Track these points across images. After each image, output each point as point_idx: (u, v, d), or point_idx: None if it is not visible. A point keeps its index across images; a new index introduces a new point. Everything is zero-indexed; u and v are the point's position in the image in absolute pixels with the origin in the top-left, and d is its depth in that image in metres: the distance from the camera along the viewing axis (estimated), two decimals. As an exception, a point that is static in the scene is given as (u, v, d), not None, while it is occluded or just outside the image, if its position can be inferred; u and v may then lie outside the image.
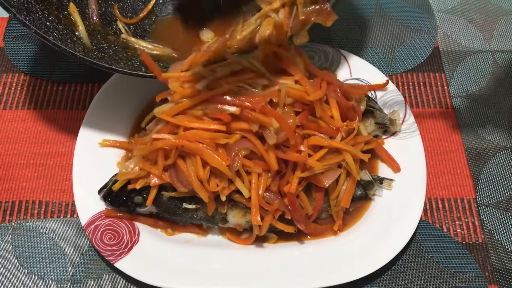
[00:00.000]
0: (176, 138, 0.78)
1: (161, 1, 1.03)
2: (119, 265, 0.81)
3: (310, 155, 0.80)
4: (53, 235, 0.89)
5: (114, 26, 0.96)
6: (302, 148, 0.80)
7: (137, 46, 0.95)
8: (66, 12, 0.88)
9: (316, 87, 0.83)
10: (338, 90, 0.86)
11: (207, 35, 0.98)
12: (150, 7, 1.02)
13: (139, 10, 1.02)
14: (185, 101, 0.80)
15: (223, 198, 0.80)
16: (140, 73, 0.85)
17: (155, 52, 0.95)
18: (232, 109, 0.78)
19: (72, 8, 0.89)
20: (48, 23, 0.82)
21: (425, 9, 1.19)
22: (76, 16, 0.89)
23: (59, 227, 0.90)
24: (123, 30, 0.96)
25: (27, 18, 0.76)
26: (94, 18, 0.94)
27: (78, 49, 0.83)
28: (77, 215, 0.87)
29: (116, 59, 0.88)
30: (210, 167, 0.78)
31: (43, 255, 0.87)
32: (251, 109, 0.78)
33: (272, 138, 0.77)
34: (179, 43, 0.98)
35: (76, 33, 0.87)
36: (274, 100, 0.79)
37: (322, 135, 0.82)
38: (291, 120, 0.78)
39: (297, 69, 0.83)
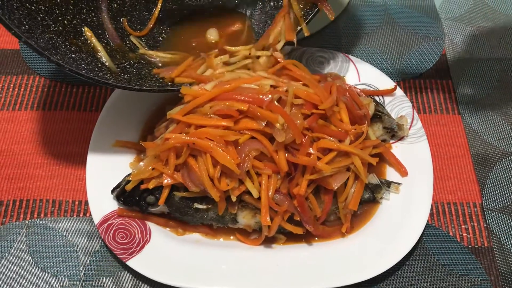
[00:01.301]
0: (187, 136, 0.80)
1: (166, 8, 1.05)
2: (131, 263, 0.83)
3: (319, 158, 0.82)
4: (66, 233, 0.91)
5: (128, 42, 0.98)
6: (311, 150, 0.82)
7: (154, 59, 0.97)
8: (83, 38, 0.89)
9: (327, 91, 0.85)
10: (347, 94, 0.88)
11: (213, 35, 1.02)
12: (156, 14, 1.03)
13: (146, 20, 1.03)
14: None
15: (234, 199, 0.81)
16: (168, 88, 0.88)
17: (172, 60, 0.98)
18: (239, 105, 0.80)
19: (88, 31, 0.90)
20: (73, 55, 0.83)
21: (432, 17, 1.21)
22: (94, 40, 0.90)
23: (72, 226, 0.92)
24: (138, 45, 0.98)
25: (58, 57, 0.78)
26: (114, 38, 0.95)
27: (106, 75, 0.85)
28: (90, 214, 0.89)
29: (141, 77, 0.90)
30: (220, 166, 0.79)
31: (56, 253, 0.89)
32: (258, 105, 0.80)
33: (281, 136, 0.78)
34: (190, 46, 1.01)
35: (100, 59, 0.89)
36: (282, 98, 0.82)
37: (331, 138, 0.84)
38: (298, 121, 0.80)
39: (302, 74, 0.86)
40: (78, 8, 0.91)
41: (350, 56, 1.04)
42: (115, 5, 0.98)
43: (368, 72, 1.03)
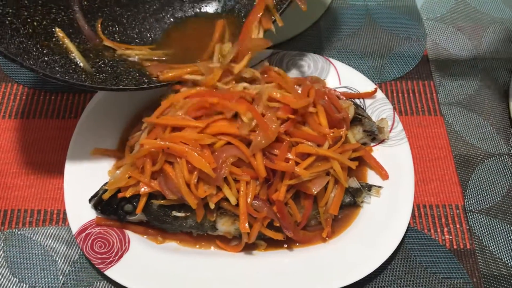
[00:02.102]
0: (161, 140, 0.80)
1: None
2: (109, 273, 0.82)
3: (298, 163, 0.81)
4: (44, 243, 0.90)
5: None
6: (289, 156, 0.81)
7: (132, 58, 0.94)
8: (54, 39, 0.86)
9: (304, 94, 0.85)
10: (326, 97, 0.88)
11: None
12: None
13: (118, 16, 0.99)
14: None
15: (212, 206, 0.80)
16: (146, 86, 0.87)
17: (153, 57, 0.96)
18: (211, 99, 0.81)
19: (59, 32, 0.87)
20: (46, 58, 0.81)
21: (414, 18, 1.20)
22: (67, 41, 0.87)
23: (51, 236, 0.91)
24: (113, 46, 0.95)
25: (31, 62, 0.76)
26: (92, 38, 0.92)
27: (81, 77, 0.83)
28: (68, 223, 0.88)
29: (117, 76, 0.88)
30: (197, 172, 0.79)
31: (35, 264, 0.88)
32: (228, 100, 0.81)
33: (245, 129, 0.79)
34: (180, 46, 1.00)
35: (73, 60, 0.86)
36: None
37: (309, 143, 0.83)
38: (274, 125, 0.79)
39: (279, 77, 0.87)
40: (47, 8, 0.87)
41: (331, 59, 1.04)
42: (85, 2, 0.94)
43: (348, 74, 1.02)
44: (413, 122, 1.04)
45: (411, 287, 0.86)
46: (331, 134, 0.84)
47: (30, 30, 0.83)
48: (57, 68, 0.81)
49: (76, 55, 0.87)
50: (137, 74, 0.90)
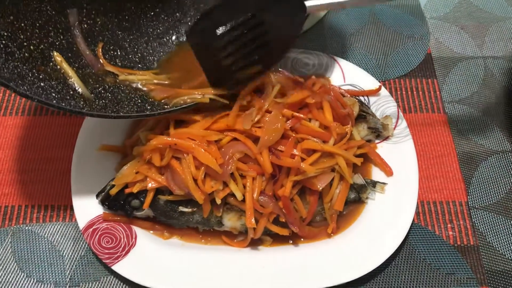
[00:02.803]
0: (168, 136, 0.80)
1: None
2: (116, 268, 0.83)
3: (303, 159, 0.82)
4: (51, 238, 0.91)
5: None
6: (295, 152, 0.82)
7: (135, 83, 0.90)
8: (51, 64, 0.81)
9: (307, 87, 0.87)
10: (331, 93, 0.89)
11: None
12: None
13: (120, 40, 0.95)
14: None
15: (218, 201, 0.81)
16: (148, 113, 0.83)
17: (154, 81, 0.92)
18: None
19: (58, 56, 0.82)
20: (42, 84, 0.76)
21: (417, 16, 1.21)
22: (65, 66, 0.82)
23: (58, 231, 0.91)
24: (116, 72, 0.90)
25: (25, 88, 0.72)
26: (95, 64, 0.88)
27: (80, 103, 0.79)
28: (76, 219, 0.89)
29: (118, 102, 0.84)
30: (204, 168, 0.79)
31: (42, 259, 0.89)
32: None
33: (248, 122, 0.81)
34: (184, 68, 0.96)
35: (71, 85, 0.81)
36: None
37: (315, 139, 0.84)
38: (278, 124, 0.80)
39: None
40: (45, 31, 0.82)
41: (335, 57, 1.04)
42: (85, 25, 0.89)
43: (353, 72, 1.03)
44: (417, 120, 1.04)
45: (415, 283, 0.87)
46: (335, 126, 0.84)
47: (26, 54, 0.78)
48: (54, 94, 0.76)
49: (74, 80, 0.82)
50: (139, 101, 0.87)
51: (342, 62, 1.04)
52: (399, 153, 0.94)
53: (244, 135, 0.81)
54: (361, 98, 1.00)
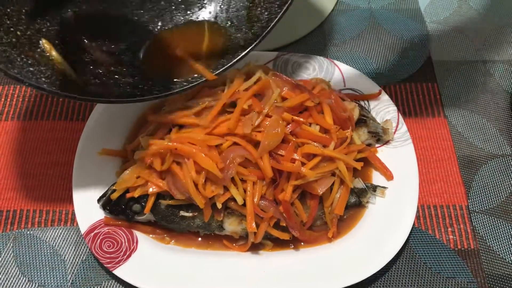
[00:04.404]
0: (169, 141, 0.81)
1: None
2: (118, 272, 0.83)
3: (303, 164, 0.82)
4: (53, 243, 0.91)
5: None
6: (295, 156, 0.82)
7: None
8: (39, 50, 0.81)
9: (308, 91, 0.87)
10: (332, 97, 0.89)
11: None
12: None
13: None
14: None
15: (219, 206, 0.81)
16: (138, 98, 0.84)
17: None
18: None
19: (46, 44, 0.82)
20: (31, 69, 0.77)
21: (418, 20, 1.21)
22: (54, 53, 0.82)
23: (59, 236, 0.92)
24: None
25: (16, 71, 0.73)
26: (87, 49, 0.89)
27: (71, 89, 0.79)
28: (77, 223, 0.89)
29: (108, 87, 0.86)
30: (205, 173, 0.80)
31: (44, 263, 0.89)
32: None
33: (248, 126, 0.82)
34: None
35: (60, 71, 0.82)
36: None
37: (315, 143, 0.84)
38: (278, 129, 0.81)
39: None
40: (32, 18, 0.83)
41: (336, 61, 1.05)
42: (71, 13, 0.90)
43: (353, 76, 1.03)
44: (417, 124, 1.05)
45: (415, 287, 0.87)
46: (335, 129, 0.85)
47: (14, 40, 0.79)
48: (43, 79, 0.77)
49: (63, 66, 0.83)
50: (128, 87, 0.88)
51: (342, 66, 1.04)
52: (400, 157, 0.94)
53: (245, 140, 0.82)
54: (362, 102, 1.01)
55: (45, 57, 0.82)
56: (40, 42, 0.83)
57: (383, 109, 1.00)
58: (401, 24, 1.21)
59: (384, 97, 1.01)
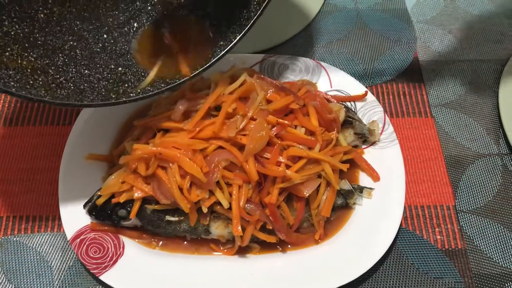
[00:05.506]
0: (154, 146, 0.81)
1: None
2: (104, 277, 0.83)
3: (289, 166, 0.82)
4: (40, 249, 0.90)
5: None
6: (281, 159, 0.82)
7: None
8: (7, 54, 0.80)
9: (293, 94, 0.87)
10: (317, 98, 0.89)
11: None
12: None
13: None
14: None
15: (205, 210, 0.81)
16: (113, 101, 0.82)
17: None
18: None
19: (14, 46, 0.81)
20: None
21: (404, 20, 1.22)
22: (22, 55, 0.81)
23: (46, 242, 0.91)
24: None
25: None
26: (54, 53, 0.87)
27: (40, 92, 0.78)
28: (63, 229, 0.89)
29: (81, 91, 0.84)
30: (190, 177, 0.80)
31: (30, 270, 0.89)
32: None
33: (232, 129, 0.81)
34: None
35: (30, 75, 0.80)
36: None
37: (301, 146, 0.84)
38: (263, 132, 0.80)
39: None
40: None
41: (322, 63, 1.05)
42: (42, 15, 0.88)
43: (339, 78, 1.03)
44: (404, 124, 1.05)
45: (403, 287, 0.87)
46: (320, 130, 0.85)
47: None
48: (12, 83, 0.75)
49: (33, 71, 0.81)
50: (103, 90, 0.86)
51: (329, 67, 1.04)
52: (386, 158, 0.94)
53: (230, 143, 0.82)
54: (348, 103, 1.00)
55: (14, 61, 0.81)
56: (8, 44, 0.81)
57: (370, 110, 1.00)
58: (388, 24, 1.21)
59: (371, 98, 1.01)
